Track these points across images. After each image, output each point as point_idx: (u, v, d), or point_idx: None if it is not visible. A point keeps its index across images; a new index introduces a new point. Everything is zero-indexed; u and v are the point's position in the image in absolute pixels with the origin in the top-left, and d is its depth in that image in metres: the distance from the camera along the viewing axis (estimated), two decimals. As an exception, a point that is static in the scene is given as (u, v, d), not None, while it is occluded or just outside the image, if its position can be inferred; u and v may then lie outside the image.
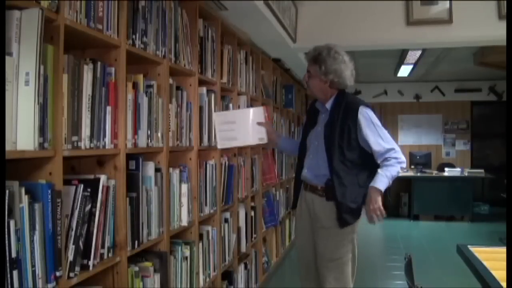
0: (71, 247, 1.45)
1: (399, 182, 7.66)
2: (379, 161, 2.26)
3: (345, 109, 2.30)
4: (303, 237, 2.48)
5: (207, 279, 2.63)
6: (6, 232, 1.16)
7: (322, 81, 2.34)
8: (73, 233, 1.46)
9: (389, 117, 8.93)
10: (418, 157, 8.07)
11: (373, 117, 2.28)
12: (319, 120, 2.44)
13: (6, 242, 1.17)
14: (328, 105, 2.38)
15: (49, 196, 1.32)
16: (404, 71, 7.18)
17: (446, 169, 7.43)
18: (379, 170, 2.24)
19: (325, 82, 2.33)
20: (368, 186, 2.25)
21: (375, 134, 2.24)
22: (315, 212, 2.38)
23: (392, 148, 2.23)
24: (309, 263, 2.45)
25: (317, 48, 2.34)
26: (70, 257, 1.44)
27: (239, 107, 3.30)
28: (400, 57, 6.23)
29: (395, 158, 2.22)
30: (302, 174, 2.45)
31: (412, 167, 7.90)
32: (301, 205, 2.49)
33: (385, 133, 2.27)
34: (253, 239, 3.64)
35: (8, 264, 1.17)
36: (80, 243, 1.49)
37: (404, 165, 2.26)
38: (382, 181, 2.21)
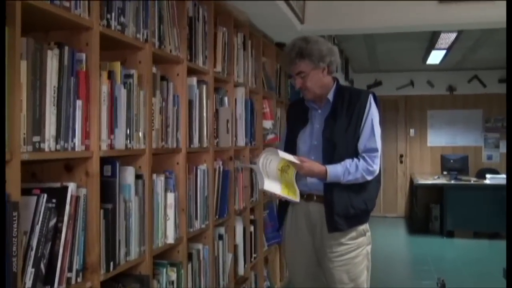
0: (30, 270, 1.44)
1: (429, 191, 7.65)
2: (359, 151, 2.39)
3: (351, 97, 2.43)
4: (302, 263, 2.49)
5: (198, 308, 2.62)
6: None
7: (319, 72, 2.41)
8: (33, 253, 1.45)
9: (416, 113, 8.92)
10: (452, 161, 8.05)
11: (376, 109, 2.44)
12: (312, 117, 2.51)
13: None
14: (330, 95, 2.46)
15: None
16: (435, 57, 7.17)
17: (487, 175, 7.43)
18: (347, 162, 2.33)
19: (323, 69, 2.42)
20: (375, 188, 2.44)
21: (372, 127, 2.38)
22: (323, 229, 2.38)
23: (376, 150, 2.38)
24: None
25: (293, 45, 2.40)
26: (28, 283, 1.43)
27: (235, 102, 3.29)
28: (430, 41, 6.22)
29: (368, 164, 2.34)
30: (303, 182, 2.43)
31: (445, 173, 7.88)
32: (298, 223, 2.50)
33: (379, 130, 2.42)
34: (252, 259, 3.63)
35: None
36: (42, 266, 1.48)
37: (370, 177, 2.36)
38: (337, 174, 2.31)
